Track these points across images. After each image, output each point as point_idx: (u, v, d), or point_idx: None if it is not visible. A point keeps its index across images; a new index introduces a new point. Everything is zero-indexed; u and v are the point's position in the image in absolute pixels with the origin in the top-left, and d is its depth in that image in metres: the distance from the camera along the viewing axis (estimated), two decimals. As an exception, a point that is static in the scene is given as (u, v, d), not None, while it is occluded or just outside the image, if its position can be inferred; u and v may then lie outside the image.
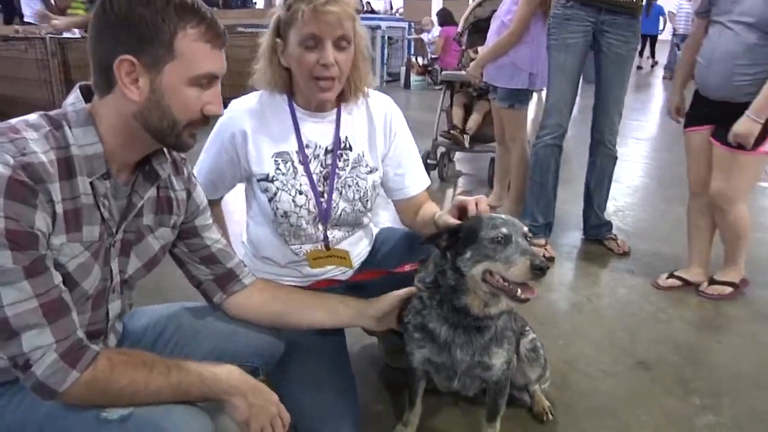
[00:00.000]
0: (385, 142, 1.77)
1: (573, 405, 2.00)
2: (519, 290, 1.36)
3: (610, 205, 3.92)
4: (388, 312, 1.61)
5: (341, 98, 1.68)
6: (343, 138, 1.70)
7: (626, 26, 2.97)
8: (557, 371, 2.11)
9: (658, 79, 12.81)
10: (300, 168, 1.66)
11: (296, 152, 1.66)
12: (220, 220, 1.74)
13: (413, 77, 10.18)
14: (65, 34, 5.82)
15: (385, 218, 3.39)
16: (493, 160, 4.35)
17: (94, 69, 1.15)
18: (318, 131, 1.68)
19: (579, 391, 2.08)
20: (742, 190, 2.58)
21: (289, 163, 1.66)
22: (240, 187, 1.81)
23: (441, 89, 4.90)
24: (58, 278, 1.09)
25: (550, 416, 1.91)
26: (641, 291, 2.88)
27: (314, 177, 1.67)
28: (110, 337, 1.34)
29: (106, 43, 1.11)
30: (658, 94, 11.14)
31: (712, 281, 2.81)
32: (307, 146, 1.67)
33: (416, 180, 1.83)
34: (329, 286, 1.78)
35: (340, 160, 1.70)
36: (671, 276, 2.92)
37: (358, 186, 1.72)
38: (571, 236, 3.57)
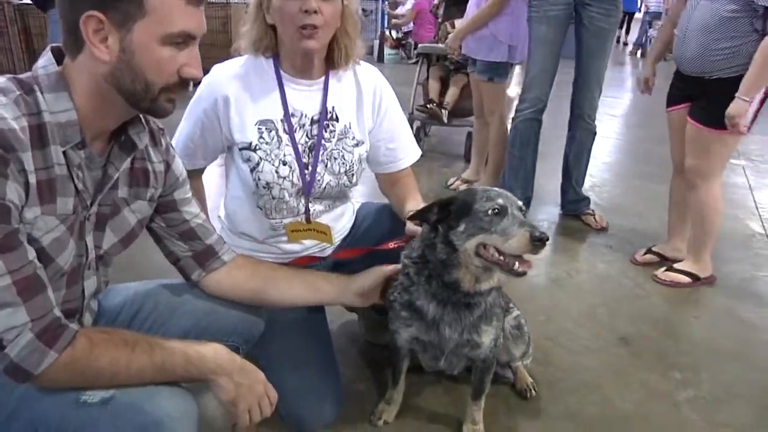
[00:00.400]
0: (373, 117, 1.70)
1: (556, 381, 2.00)
2: (516, 263, 1.32)
3: (586, 181, 3.92)
4: (372, 288, 1.57)
5: (330, 64, 1.60)
6: (330, 108, 1.63)
7: (609, 0, 2.92)
8: (539, 347, 2.09)
9: (624, 56, 12.87)
10: (285, 137, 1.59)
11: (281, 120, 1.59)
12: (199, 194, 1.67)
13: (387, 51, 10.08)
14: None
15: (361, 192, 3.33)
16: (469, 134, 4.32)
17: (62, 27, 1.05)
18: (304, 99, 1.61)
19: (561, 367, 2.08)
20: (714, 168, 2.56)
21: (273, 132, 1.58)
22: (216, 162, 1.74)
23: (415, 63, 4.83)
24: (32, 254, 1.02)
25: (533, 392, 1.90)
26: (619, 266, 2.89)
27: (299, 147, 1.60)
28: (86, 316, 1.27)
29: None
30: (629, 71, 11.20)
31: (670, 268, 2.77)
32: (293, 115, 1.60)
33: (408, 153, 1.78)
34: (311, 263, 1.73)
35: (326, 131, 1.63)
36: (649, 251, 2.93)
37: (344, 159, 1.66)
38: (548, 211, 3.57)
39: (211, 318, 1.42)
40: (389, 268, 1.57)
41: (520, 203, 1.40)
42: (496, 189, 1.42)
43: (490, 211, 1.34)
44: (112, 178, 1.17)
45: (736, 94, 2.30)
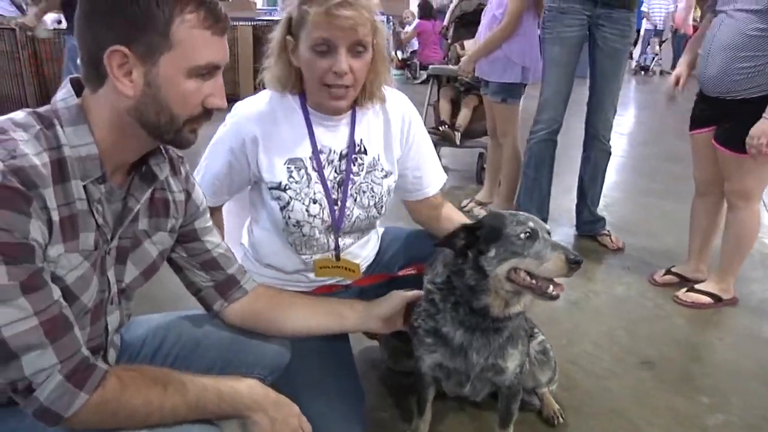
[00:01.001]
0: (401, 146, 1.67)
1: (581, 406, 1.96)
2: (550, 286, 1.31)
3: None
4: (394, 313, 1.55)
5: (355, 101, 1.56)
6: (357, 141, 1.60)
7: (622, 20, 2.94)
8: (562, 371, 2.06)
9: (628, 75, 12.89)
10: (314, 175, 1.55)
11: (310, 158, 1.55)
12: (219, 227, 1.65)
13: (393, 71, 10.12)
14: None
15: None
16: (480, 155, 4.31)
17: (83, 60, 1.03)
18: (332, 135, 1.57)
19: (586, 392, 2.04)
20: (754, 189, 2.51)
21: (303, 170, 1.55)
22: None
23: (422, 83, 4.84)
24: (57, 293, 0.99)
25: (561, 419, 1.86)
26: (638, 288, 2.86)
27: (328, 184, 1.57)
28: (110, 352, 1.24)
29: (95, 31, 0.99)
30: (631, 87, 11.24)
31: (691, 289, 2.74)
32: (321, 152, 1.56)
33: (434, 179, 1.75)
34: (335, 291, 1.71)
35: (354, 165, 1.59)
36: (668, 272, 2.90)
37: (373, 191, 1.63)
38: (563, 232, 3.54)
39: (235, 350, 1.39)
40: (410, 294, 1.55)
41: (547, 227, 1.38)
42: (524, 213, 1.41)
43: (522, 235, 1.32)
44: (133, 211, 1.15)
45: (764, 114, 2.26)
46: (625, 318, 2.58)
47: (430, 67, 4.91)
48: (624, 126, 7.16)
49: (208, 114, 1.10)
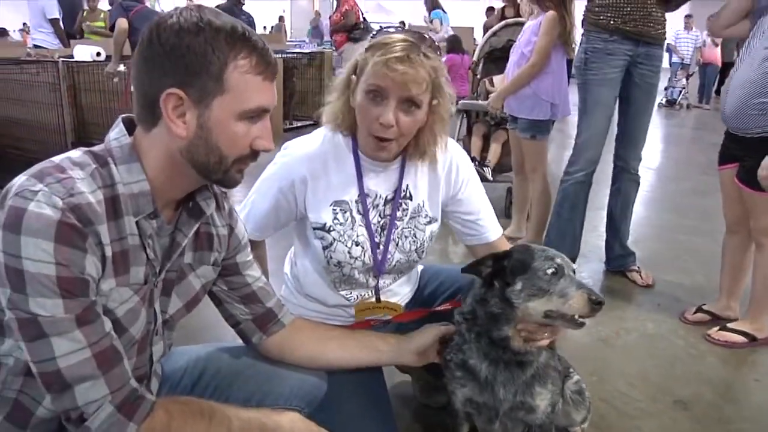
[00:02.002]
0: (447, 189, 1.68)
1: (614, 447, 1.95)
2: (576, 315, 1.34)
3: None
4: (428, 346, 1.57)
5: (405, 150, 1.59)
6: (404, 187, 1.62)
7: (658, 57, 3.02)
8: (594, 409, 2.03)
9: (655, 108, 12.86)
10: (358, 218, 1.58)
11: (356, 201, 1.58)
12: (262, 258, 1.69)
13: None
14: (77, 58, 5.83)
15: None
16: (509, 190, 4.33)
17: (138, 101, 1.09)
18: (380, 180, 1.61)
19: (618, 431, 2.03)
20: None
21: (348, 213, 1.58)
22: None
23: (450, 117, 4.89)
24: (108, 325, 1.04)
25: (593, 459, 1.85)
26: (669, 325, 2.83)
27: (372, 227, 1.60)
28: (153, 381, 1.28)
29: (153, 75, 1.04)
30: (657, 122, 11.19)
31: (724, 328, 2.70)
32: (367, 195, 1.59)
33: (492, 224, 1.75)
34: (374, 327, 1.73)
35: (398, 210, 1.62)
36: (699, 310, 2.86)
37: (416, 237, 1.65)
38: (591, 267, 3.53)
39: (273, 382, 1.42)
40: (443, 328, 1.56)
41: (574, 265, 1.41)
42: (552, 249, 1.43)
43: (549, 270, 1.35)
44: (181, 245, 1.19)
45: None
46: (656, 356, 2.56)
47: (461, 102, 4.97)
48: (652, 160, 7.13)
49: (254, 155, 1.14)
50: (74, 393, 0.98)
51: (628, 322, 2.88)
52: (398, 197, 1.61)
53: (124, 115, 1.15)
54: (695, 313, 2.86)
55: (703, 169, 6.13)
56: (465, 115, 4.83)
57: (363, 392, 1.65)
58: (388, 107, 1.41)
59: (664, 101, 12.53)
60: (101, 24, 7.33)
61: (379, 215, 1.61)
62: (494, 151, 4.55)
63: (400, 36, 1.42)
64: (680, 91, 12.47)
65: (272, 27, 20.23)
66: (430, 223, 1.67)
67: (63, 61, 5.43)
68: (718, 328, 2.71)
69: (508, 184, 4.39)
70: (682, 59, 12.95)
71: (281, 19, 21.81)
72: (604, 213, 3.48)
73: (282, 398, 1.40)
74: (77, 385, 0.98)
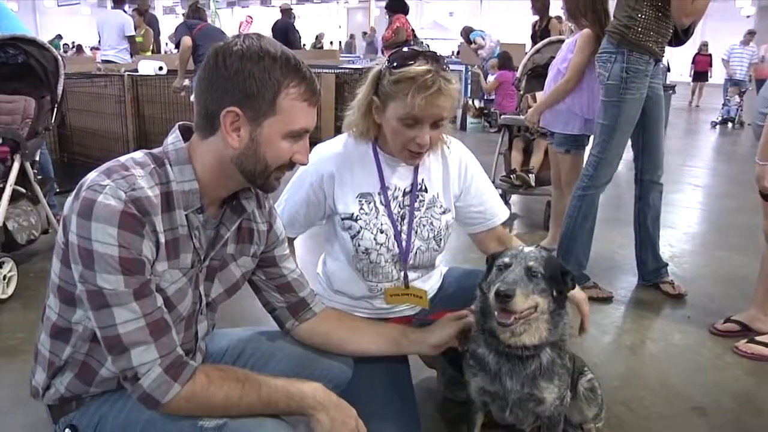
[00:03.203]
0: (459, 185, 1.87)
1: (628, 446, 2.03)
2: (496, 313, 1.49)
3: (666, 251, 3.93)
4: (446, 341, 1.69)
5: None
6: (419, 180, 1.81)
7: (662, 70, 3.18)
8: (612, 412, 2.13)
9: (707, 124, 12.57)
10: (381, 208, 1.77)
11: (378, 193, 1.77)
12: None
13: (469, 120, 10.23)
14: (140, 72, 6.19)
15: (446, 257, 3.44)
16: (549, 203, 4.41)
17: (199, 113, 1.27)
18: (398, 175, 1.80)
19: (632, 432, 2.11)
20: None
21: (372, 204, 1.76)
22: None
23: (497, 132, 5.00)
24: (160, 300, 1.22)
25: (605, 455, 1.94)
26: (697, 337, 2.87)
27: (394, 217, 1.78)
28: (197, 356, 1.46)
29: (216, 93, 1.22)
30: (711, 139, 10.97)
31: (752, 340, 2.72)
32: (388, 188, 1.78)
33: (498, 211, 1.94)
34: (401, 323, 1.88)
35: (416, 201, 1.80)
36: (729, 320, 2.89)
37: (432, 225, 1.82)
38: (623, 280, 3.58)
39: (304, 364, 1.58)
40: (461, 321, 1.70)
41: (531, 264, 1.51)
42: (519, 249, 1.57)
43: (502, 266, 1.52)
44: (224, 238, 1.38)
45: (756, 158, 2.41)
46: (680, 365, 2.61)
47: (502, 117, 5.09)
48: (700, 177, 7.05)
49: (292, 166, 1.34)
50: (130, 355, 1.17)
51: (656, 332, 2.94)
52: (415, 189, 1.80)
53: (180, 123, 1.35)
54: (724, 322, 2.89)
55: (753, 186, 6.02)
56: (507, 130, 4.93)
57: (389, 385, 1.78)
58: (424, 130, 1.62)
59: (719, 120, 12.24)
60: (140, 39, 8.01)
61: (399, 206, 1.80)
62: (536, 158, 4.67)
63: (423, 68, 1.57)
64: (737, 109, 12.16)
65: (340, 43, 20.74)
66: (444, 213, 1.85)
67: (128, 74, 5.80)
68: (746, 340, 2.74)
69: (548, 197, 4.47)
70: (731, 76, 12.68)
71: (352, 36, 22.44)
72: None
73: (311, 380, 1.54)
74: (133, 348, 1.17)
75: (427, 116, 1.60)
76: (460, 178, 1.88)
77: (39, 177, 3.54)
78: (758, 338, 2.72)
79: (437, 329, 1.70)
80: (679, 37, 3.05)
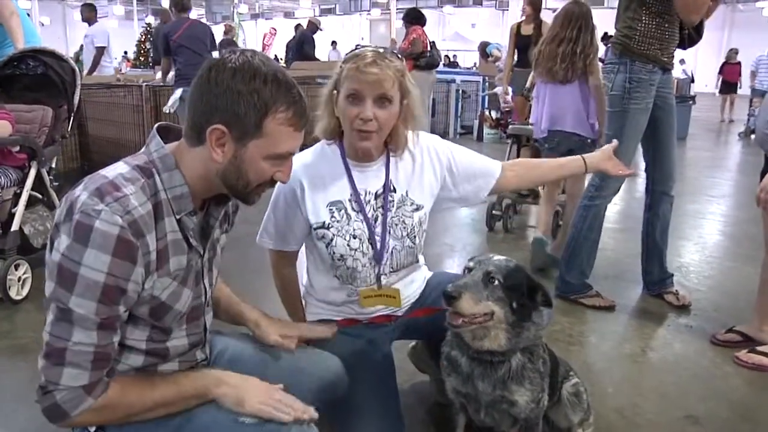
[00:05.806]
0: (439, 172, 1.91)
1: (617, 452, 2.03)
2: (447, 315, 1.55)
3: (674, 261, 3.91)
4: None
5: (386, 145, 1.83)
6: (389, 182, 1.85)
7: (672, 79, 3.18)
8: (603, 418, 2.14)
9: (733, 136, 12.42)
10: (353, 214, 1.80)
11: (349, 200, 1.81)
12: (293, 276, 1.98)
13: (486, 130, 10.25)
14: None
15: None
16: (557, 213, 4.41)
17: (188, 122, 1.28)
18: (368, 179, 1.83)
19: (624, 439, 2.11)
20: None
21: (343, 211, 1.80)
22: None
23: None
24: (117, 336, 1.23)
25: (591, 461, 1.95)
26: (698, 346, 2.86)
27: (370, 220, 1.81)
28: (206, 347, 1.53)
29: (206, 107, 1.24)
30: (734, 151, 10.84)
31: (753, 350, 2.70)
32: (359, 193, 1.81)
33: (491, 167, 2.01)
34: (383, 323, 1.93)
35: (387, 203, 1.83)
36: (731, 330, 2.87)
37: (405, 223, 1.85)
38: (628, 288, 3.57)
39: (297, 378, 1.56)
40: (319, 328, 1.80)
41: (491, 268, 1.55)
42: (487, 255, 1.61)
43: (466, 271, 1.58)
44: (213, 228, 1.42)
45: None
46: (677, 374, 2.60)
47: (510, 126, 5.11)
48: (718, 189, 6.98)
49: (273, 183, 1.39)
50: (62, 372, 1.18)
51: (656, 341, 2.93)
52: (388, 190, 1.84)
53: (158, 125, 1.37)
54: (726, 332, 2.87)
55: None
56: (515, 140, 4.95)
57: (372, 376, 1.81)
58: (366, 105, 1.67)
59: (744, 131, 12.06)
60: None
61: (372, 209, 1.84)
62: None
63: (370, 48, 1.71)
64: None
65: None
66: (417, 210, 1.88)
67: (146, 84, 5.94)
68: (747, 350, 2.72)
69: (556, 207, 4.46)
70: (753, 86, 12.51)
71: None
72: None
73: (303, 396, 1.45)
74: (68, 367, 1.18)
75: (367, 88, 1.65)
76: (435, 165, 1.91)
77: (55, 183, 3.66)
78: (759, 348, 2.70)
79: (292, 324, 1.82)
80: (692, 38, 3.05)
